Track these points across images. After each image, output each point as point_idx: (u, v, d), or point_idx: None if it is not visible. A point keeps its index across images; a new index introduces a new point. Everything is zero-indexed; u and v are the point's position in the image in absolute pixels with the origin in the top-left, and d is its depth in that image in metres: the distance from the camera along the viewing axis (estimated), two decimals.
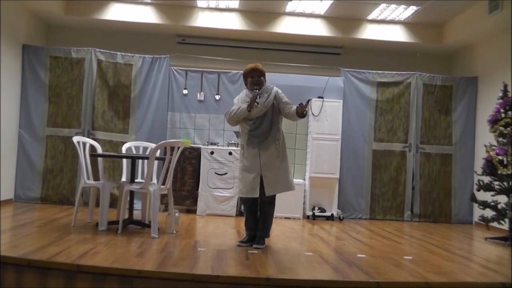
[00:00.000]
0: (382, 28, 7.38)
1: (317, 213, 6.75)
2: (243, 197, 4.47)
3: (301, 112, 4.15)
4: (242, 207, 4.62)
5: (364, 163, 7.14)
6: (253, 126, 4.34)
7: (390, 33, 7.40)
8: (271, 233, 4.58)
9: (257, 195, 4.29)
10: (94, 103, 6.79)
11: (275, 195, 4.40)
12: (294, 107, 4.26)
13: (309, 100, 4.17)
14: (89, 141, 5.35)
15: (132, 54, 6.98)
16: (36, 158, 6.71)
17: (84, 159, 5.03)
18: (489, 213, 5.71)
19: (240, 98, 4.51)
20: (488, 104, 6.67)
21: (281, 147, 4.40)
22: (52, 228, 4.70)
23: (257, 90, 4.30)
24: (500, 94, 5.75)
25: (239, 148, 4.53)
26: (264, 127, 4.32)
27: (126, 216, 4.95)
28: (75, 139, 5.06)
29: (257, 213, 4.44)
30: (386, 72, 7.30)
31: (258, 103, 4.27)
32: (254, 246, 4.30)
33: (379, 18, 7.25)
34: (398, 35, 7.41)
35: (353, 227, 6.16)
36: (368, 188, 7.13)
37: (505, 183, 5.49)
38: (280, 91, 4.48)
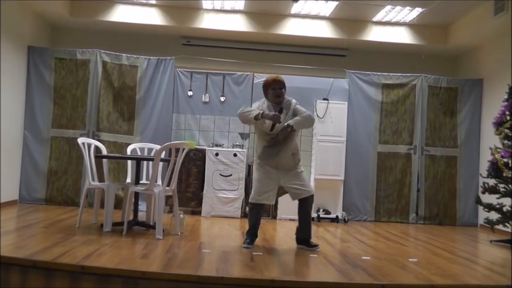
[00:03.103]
0: (387, 29, 7.37)
1: (322, 215, 6.74)
2: (256, 203, 4.42)
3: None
4: (247, 210, 4.58)
5: (369, 165, 7.12)
6: (272, 142, 4.32)
7: (395, 35, 7.38)
8: (276, 234, 4.59)
9: (273, 202, 4.47)
10: (99, 104, 6.80)
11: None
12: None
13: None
14: (94, 142, 5.36)
15: (137, 56, 6.99)
16: (40, 159, 6.73)
17: (89, 160, 5.04)
18: (494, 215, 5.67)
19: (259, 108, 4.36)
20: (493, 106, 6.63)
21: (297, 158, 4.47)
22: (56, 229, 4.71)
23: (279, 114, 4.23)
24: (506, 96, 5.73)
25: (256, 154, 4.52)
26: (282, 142, 4.31)
27: (131, 217, 4.96)
28: (80, 140, 5.07)
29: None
30: (391, 74, 7.28)
31: (280, 122, 4.25)
32: (316, 249, 4.39)
33: (384, 19, 7.24)
34: (403, 36, 7.39)
35: (358, 229, 6.14)
36: (373, 190, 7.11)
37: (510, 186, 5.46)
38: (297, 103, 4.50)
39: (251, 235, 4.47)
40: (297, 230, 4.61)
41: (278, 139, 4.26)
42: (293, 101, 4.48)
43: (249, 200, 4.45)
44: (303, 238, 4.54)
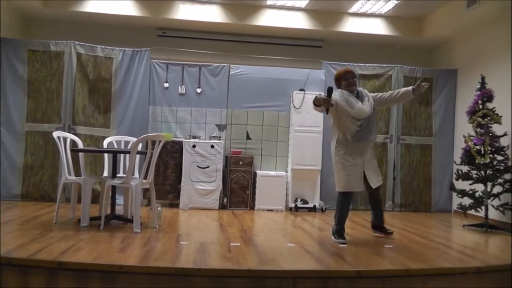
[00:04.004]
0: (363, 21, 7.42)
1: (299, 204, 6.81)
2: (347, 192, 4.54)
3: (420, 91, 4.54)
4: (340, 204, 4.60)
5: None
6: (361, 128, 4.51)
7: (371, 26, 7.44)
8: (254, 225, 4.62)
9: (362, 188, 4.62)
10: (74, 97, 6.70)
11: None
12: (402, 89, 4.69)
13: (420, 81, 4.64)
14: (70, 136, 5.30)
15: (112, 47, 6.89)
16: (16, 155, 6.60)
17: (65, 155, 4.98)
18: (467, 201, 5.83)
19: (341, 98, 4.51)
20: (466, 96, 6.78)
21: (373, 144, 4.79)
22: (33, 226, 4.66)
23: (331, 100, 4.27)
24: (478, 86, 5.86)
25: (334, 145, 4.62)
26: (370, 127, 4.57)
27: (108, 211, 4.93)
28: (56, 134, 5.00)
29: None
30: (367, 64, 7.35)
31: (332, 104, 4.33)
32: (389, 233, 4.75)
33: (360, 11, 7.29)
34: (379, 28, 7.46)
35: None
36: None
37: (482, 172, 5.62)
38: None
39: (342, 228, 4.56)
40: (373, 218, 4.88)
41: (419, 93, 4.56)
42: (365, 90, 4.73)
43: (340, 190, 4.54)
44: (380, 224, 4.82)
